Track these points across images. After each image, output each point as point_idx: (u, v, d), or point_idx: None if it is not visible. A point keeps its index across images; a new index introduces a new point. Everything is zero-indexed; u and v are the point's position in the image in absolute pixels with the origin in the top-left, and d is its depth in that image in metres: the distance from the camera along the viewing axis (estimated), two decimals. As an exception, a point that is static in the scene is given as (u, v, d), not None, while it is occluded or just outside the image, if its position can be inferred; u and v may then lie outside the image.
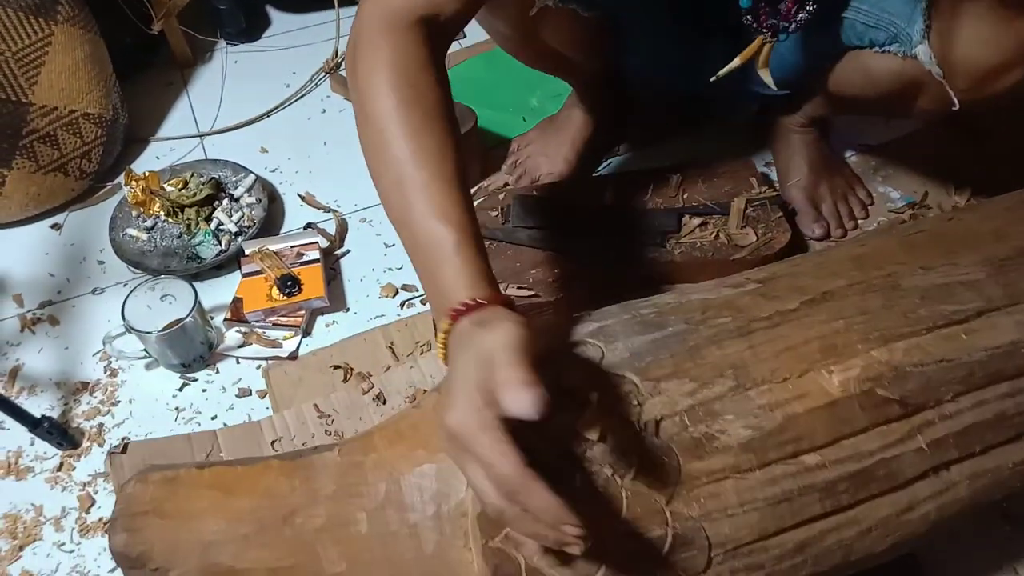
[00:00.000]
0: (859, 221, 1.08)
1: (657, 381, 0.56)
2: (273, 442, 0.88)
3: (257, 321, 1.00)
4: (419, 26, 0.64)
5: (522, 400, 0.45)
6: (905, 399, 0.59)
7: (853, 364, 0.59)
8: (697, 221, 1.02)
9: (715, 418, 0.56)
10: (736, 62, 0.83)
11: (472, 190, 1.15)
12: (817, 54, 0.93)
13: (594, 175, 1.16)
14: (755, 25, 0.81)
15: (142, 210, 1.10)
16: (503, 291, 0.60)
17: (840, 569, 0.59)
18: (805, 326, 0.61)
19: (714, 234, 1.01)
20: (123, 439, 0.91)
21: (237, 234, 1.09)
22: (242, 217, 1.11)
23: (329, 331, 1.01)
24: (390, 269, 1.08)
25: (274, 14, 1.52)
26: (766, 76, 0.84)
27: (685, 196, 1.06)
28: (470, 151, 1.12)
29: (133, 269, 1.08)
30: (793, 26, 0.80)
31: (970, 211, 0.78)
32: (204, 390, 0.95)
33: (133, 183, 1.08)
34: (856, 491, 0.57)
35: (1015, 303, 0.64)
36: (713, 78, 0.84)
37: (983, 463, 0.61)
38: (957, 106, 0.80)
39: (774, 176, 1.14)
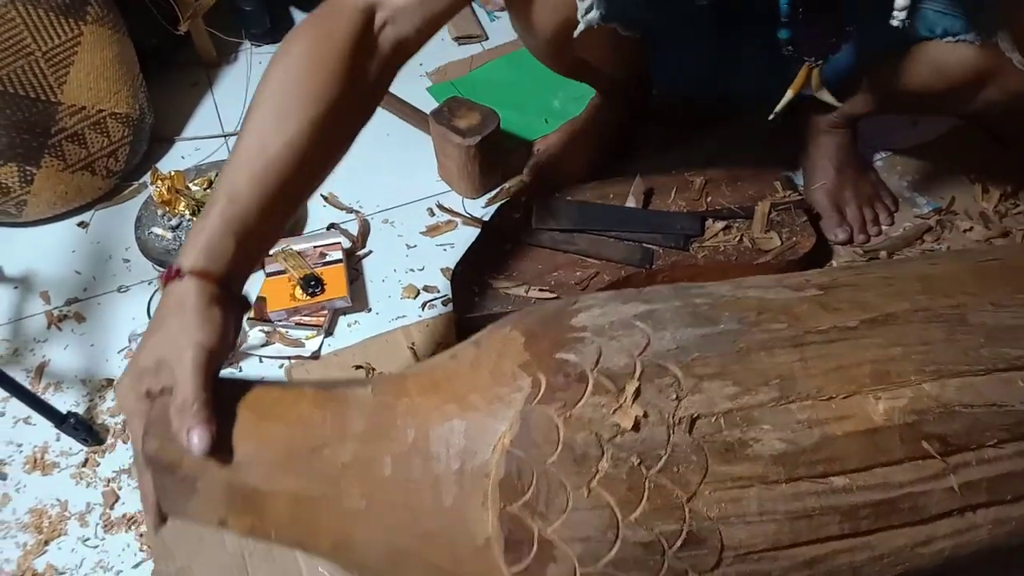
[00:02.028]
0: (883, 227, 1.07)
1: (700, 379, 0.56)
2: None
3: (280, 320, 1.00)
4: (357, 17, 0.67)
5: (193, 441, 0.53)
6: (947, 438, 0.57)
7: (902, 394, 0.57)
8: (721, 225, 1.02)
9: (752, 425, 0.55)
10: (789, 94, 0.81)
11: (493, 192, 1.16)
12: (871, 53, 0.91)
13: (617, 177, 1.16)
14: (796, 54, 0.80)
15: (167, 209, 1.11)
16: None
17: None
18: (861, 347, 0.59)
19: (738, 238, 1.00)
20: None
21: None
22: (266, 217, 1.11)
23: (351, 331, 1.02)
24: (412, 270, 1.08)
25: (298, 15, 1.53)
26: (825, 97, 0.82)
27: (709, 199, 1.06)
28: (492, 152, 1.12)
29: (158, 267, 1.09)
30: (836, 48, 0.78)
31: None
32: (227, 388, 0.96)
33: (159, 182, 1.09)
34: (877, 519, 0.57)
35: None
36: (771, 116, 0.83)
37: (1010, 511, 0.60)
38: None
39: (798, 180, 1.14)
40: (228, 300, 0.59)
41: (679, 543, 0.53)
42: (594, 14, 0.80)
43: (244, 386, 0.58)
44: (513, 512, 0.53)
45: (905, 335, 0.60)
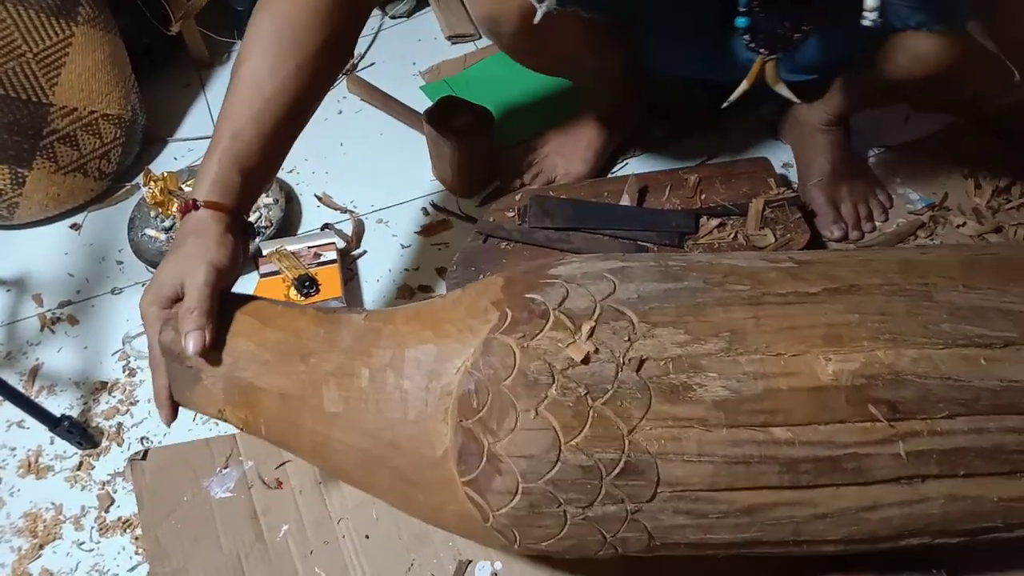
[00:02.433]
0: (877, 224, 1.07)
1: (653, 326, 0.60)
2: (291, 442, 0.88)
3: (274, 321, 1.00)
4: None
5: (188, 343, 0.62)
6: (897, 404, 0.58)
7: (854, 358, 0.58)
8: (715, 222, 1.02)
9: (698, 372, 0.58)
10: (744, 86, 0.82)
11: (488, 191, 1.15)
12: (846, 48, 0.91)
13: (611, 175, 1.16)
14: (752, 45, 0.80)
15: (160, 210, 1.10)
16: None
17: (787, 546, 0.61)
18: (818, 311, 0.61)
19: (732, 235, 1.00)
20: (142, 440, 0.92)
21: (255, 235, 1.09)
22: (259, 218, 1.11)
23: (346, 331, 1.01)
24: (407, 270, 1.08)
25: (291, 15, 1.52)
26: (782, 90, 0.82)
27: (703, 197, 1.06)
28: (486, 151, 1.12)
29: (151, 269, 1.08)
30: (791, 44, 0.79)
31: None
32: (222, 390, 0.96)
33: (152, 183, 1.09)
34: (818, 475, 0.58)
35: None
36: (724, 104, 0.83)
37: (964, 488, 0.60)
38: (1018, 77, 0.75)
39: (792, 177, 1.14)
40: (237, 227, 0.68)
41: (616, 471, 0.57)
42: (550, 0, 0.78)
43: (252, 299, 0.68)
44: (468, 427, 0.59)
45: (864, 304, 0.61)
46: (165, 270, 0.65)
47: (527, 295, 0.62)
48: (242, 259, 0.68)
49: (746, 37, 0.80)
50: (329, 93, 1.32)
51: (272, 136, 0.70)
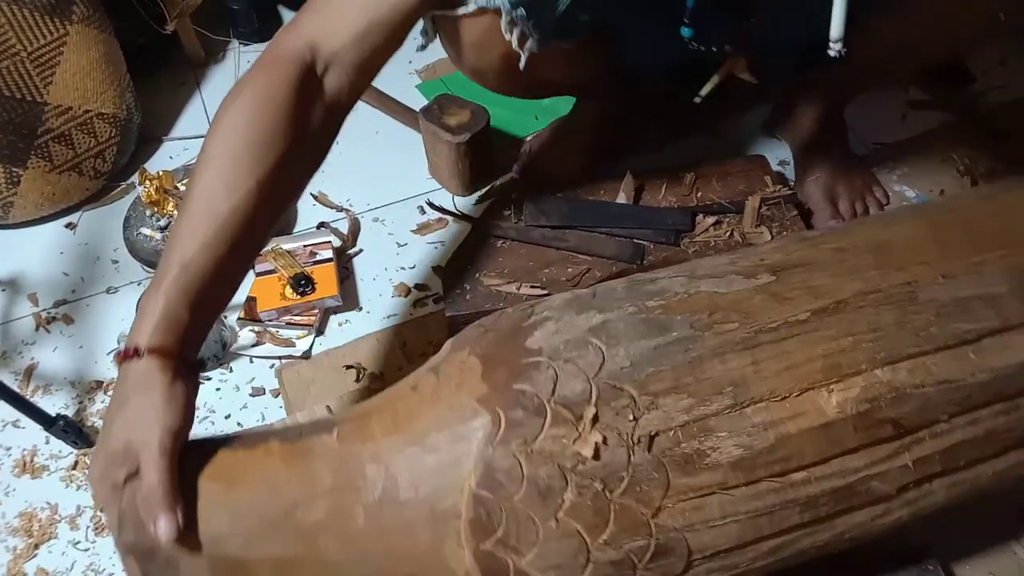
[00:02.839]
0: (874, 220, 1.08)
1: (655, 396, 0.56)
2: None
3: (270, 320, 1.00)
4: (298, 65, 0.66)
5: (160, 530, 0.53)
6: (900, 420, 0.59)
7: (854, 384, 0.58)
8: (711, 220, 1.02)
9: (708, 435, 0.56)
10: (715, 79, 0.81)
11: (484, 189, 1.15)
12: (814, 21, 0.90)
13: (607, 174, 1.16)
14: (703, 48, 0.80)
15: (156, 209, 1.10)
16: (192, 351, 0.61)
17: (811, 559, 0.61)
18: (812, 342, 0.59)
19: (728, 233, 1.00)
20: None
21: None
22: (255, 216, 1.11)
23: (342, 330, 1.01)
24: (403, 268, 1.08)
25: (286, 14, 1.52)
26: (746, 76, 0.82)
27: (699, 195, 1.06)
28: (482, 149, 1.12)
29: (147, 268, 1.08)
30: (745, 38, 0.79)
31: (1008, 190, 0.73)
32: (218, 389, 0.95)
33: (147, 182, 1.09)
34: (836, 504, 0.58)
35: None
36: (697, 98, 0.83)
37: (964, 476, 0.62)
38: (1003, 17, 0.76)
39: (789, 175, 1.14)
40: (185, 370, 0.59)
41: (648, 556, 0.55)
42: (530, 43, 0.77)
43: (208, 451, 0.58)
44: (487, 549, 0.54)
45: (855, 323, 0.60)
46: (112, 437, 0.56)
47: (515, 386, 0.56)
48: (194, 407, 0.59)
49: (694, 44, 0.80)
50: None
51: (227, 261, 0.61)
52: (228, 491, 0.57)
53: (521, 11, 0.74)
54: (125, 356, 0.57)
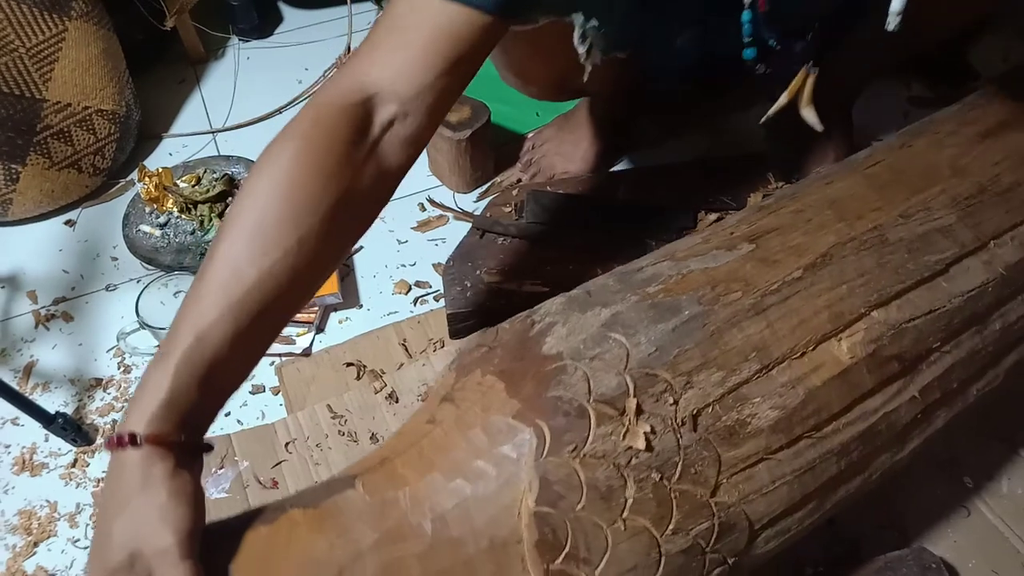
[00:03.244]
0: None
1: (688, 375, 0.56)
2: (287, 444, 0.87)
3: (270, 318, 0.99)
4: (353, 114, 0.57)
5: None
6: (902, 355, 0.62)
7: (858, 328, 0.61)
8: (713, 217, 1.01)
9: (745, 403, 0.57)
10: (783, 99, 0.80)
11: (485, 186, 1.15)
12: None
13: (609, 171, 1.15)
14: (768, 71, 0.79)
15: (155, 206, 1.10)
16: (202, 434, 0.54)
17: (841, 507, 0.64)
18: (813, 295, 0.62)
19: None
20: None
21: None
22: (255, 213, 1.10)
23: (342, 328, 1.01)
24: (403, 266, 1.07)
25: (286, 10, 1.52)
26: (810, 115, 0.81)
27: (701, 192, 1.05)
28: (483, 146, 1.11)
29: (147, 265, 1.08)
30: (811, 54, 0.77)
31: (916, 136, 0.78)
32: (218, 387, 0.95)
33: (146, 179, 1.08)
34: (864, 447, 0.61)
35: (983, 244, 0.68)
36: (763, 120, 0.82)
37: (957, 397, 0.67)
38: None
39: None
40: (190, 457, 0.51)
41: (714, 537, 0.55)
42: (595, 54, 0.77)
43: (229, 540, 0.52)
44: (557, 568, 0.52)
45: (845, 272, 0.63)
46: (113, 546, 0.48)
47: (549, 394, 0.54)
48: (203, 496, 0.51)
49: (760, 66, 0.78)
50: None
51: (251, 335, 0.53)
52: (264, 575, 0.51)
53: (594, 22, 0.74)
54: (119, 443, 0.48)
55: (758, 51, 0.78)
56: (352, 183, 0.57)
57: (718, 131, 1.20)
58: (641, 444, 0.53)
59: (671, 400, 0.55)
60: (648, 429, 0.54)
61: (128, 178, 1.21)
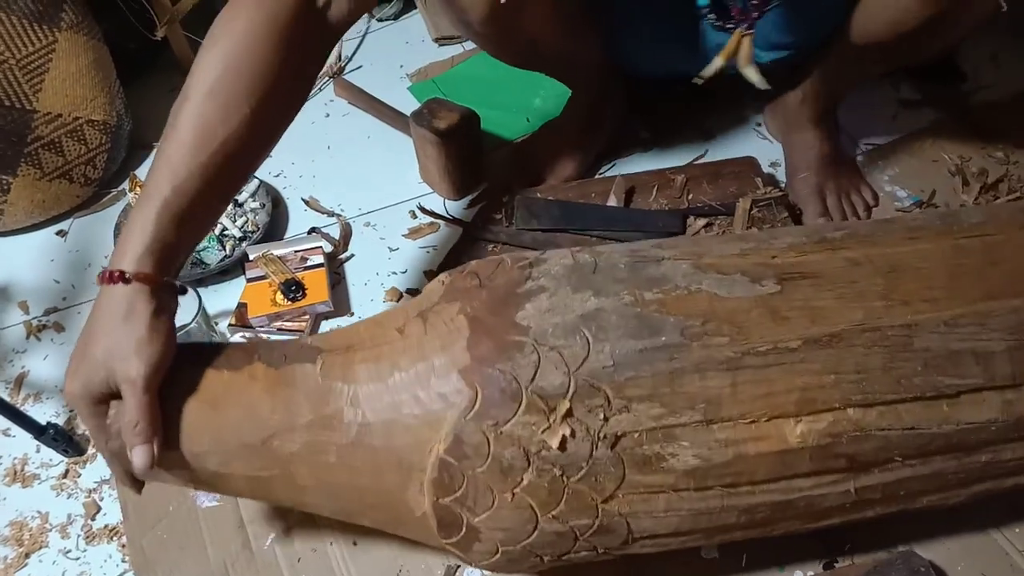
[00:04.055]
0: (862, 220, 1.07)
1: (630, 401, 0.58)
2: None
3: (262, 326, 0.99)
4: None
5: (136, 459, 0.57)
6: (856, 456, 0.60)
7: (823, 419, 0.59)
8: (702, 222, 1.02)
9: (671, 442, 0.58)
10: (718, 61, 0.79)
11: (475, 193, 1.15)
12: (823, 14, 0.88)
13: (598, 176, 1.15)
14: (720, 23, 0.78)
15: (146, 216, 1.10)
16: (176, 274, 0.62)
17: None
18: (795, 373, 0.59)
19: (719, 235, 1.00)
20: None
21: (241, 239, 1.09)
22: (246, 222, 1.11)
23: (333, 336, 1.01)
24: (394, 273, 1.07)
25: (278, 18, 1.52)
26: (751, 74, 0.79)
27: (690, 197, 1.05)
28: (473, 153, 1.11)
29: (138, 275, 1.08)
30: (761, 13, 0.76)
31: None
32: (209, 396, 0.95)
33: (137, 189, 1.09)
34: (773, 514, 0.62)
35: (1015, 384, 0.61)
36: (696, 79, 0.81)
37: (900, 502, 0.65)
38: (1005, 7, 0.73)
39: (780, 176, 1.14)
40: (168, 297, 0.60)
41: (590, 532, 0.60)
42: None
43: (197, 370, 0.61)
44: (445, 503, 0.59)
45: (842, 362, 0.59)
46: (93, 360, 0.57)
47: (497, 366, 0.58)
48: (175, 334, 0.60)
49: (711, 16, 0.78)
50: (316, 96, 1.33)
51: (220, 187, 0.62)
52: (212, 413, 0.60)
53: None
54: (110, 278, 0.57)
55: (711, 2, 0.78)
56: (300, 51, 0.64)
57: (708, 135, 1.20)
58: (555, 444, 0.57)
59: (602, 416, 0.58)
60: (568, 432, 0.57)
61: (119, 188, 1.21)
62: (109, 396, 0.58)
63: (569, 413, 0.57)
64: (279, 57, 0.63)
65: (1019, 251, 0.66)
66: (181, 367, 0.60)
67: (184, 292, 0.64)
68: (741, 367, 0.59)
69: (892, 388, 0.60)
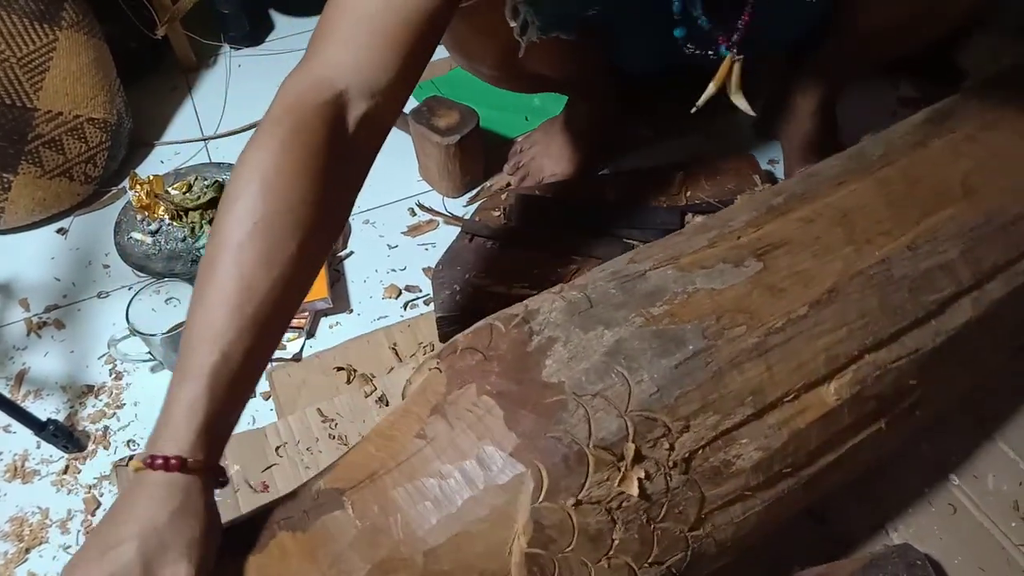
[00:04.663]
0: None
1: (686, 419, 0.56)
2: (277, 448, 0.88)
3: (261, 323, 1.00)
4: (329, 111, 0.58)
5: None
6: (881, 394, 0.63)
7: (848, 371, 0.62)
8: (700, 219, 1.01)
9: (732, 444, 0.58)
10: (711, 88, 0.78)
11: (474, 191, 1.15)
12: (809, 10, 0.88)
13: (596, 174, 1.16)
14: (699, 52, 0.77)
15: (147, 214, 1.10)
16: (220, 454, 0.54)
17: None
18: (815, 336, 0.61)
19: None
20: (129, 443, 0.92)
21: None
22: (246, 220, 1.11)
23: (333, 332, 1.01)
24: (393, 270, 1.08)
25: (278, 18, 1.53)
26: (740, 102, 0.78)
27: (688, 194, 1.06)
28: (472, 150, 1.12)
29: (138, 272, 1.08)
30: (740, 38, 0.74)
31: (932, 134, 0.76)
32: (209, 392, 0.96)
33: (137, 187, 1.09)
34: (829, 475, 0.64)
35: (978, 283, 0.68)
36: (693, 109, 0.81)
37: (916, 421, 0.69)
38: None
39: (778, 173, 1.14)
40: (216, 485, 0.54)
41: (685, 565, 0.57)
42: (531, 31, 0.76)
43: (218, 567, 0.52)
44: None
45: (847, 312, 0.63)
46: (119, 557, 0.48)
47: (549, 435, 0.53)
48: (221, 535, 0.53)
49: (689, 47, 0.79)
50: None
51: (268, 340, 0.55)
52: None
53: None
54: (165, 466, 0.49)
55: (687, 31, 0.78)
56: (335, 180, 0.58)
57: (706, 132, 1.21)
58: (635, 491, 0.53)
59: (667, 445, 0.56)
60: (643, 475, 0.54)
61: (120, 186, 1.21)
62: None
63: (638, 454, 0.54)
64: (320, 188, 0.56)
65: (928, 166, 0.72)
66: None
67: (227, 482, 0.57)
68: (769, 348, 0.60)
69: (892, 320, 0.64)
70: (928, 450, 0.83)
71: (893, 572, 0.70)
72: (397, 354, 0.97)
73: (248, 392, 0.56)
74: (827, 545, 0.77)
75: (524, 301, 0.64)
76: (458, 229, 1.06)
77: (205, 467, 0.51)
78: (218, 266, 0.53)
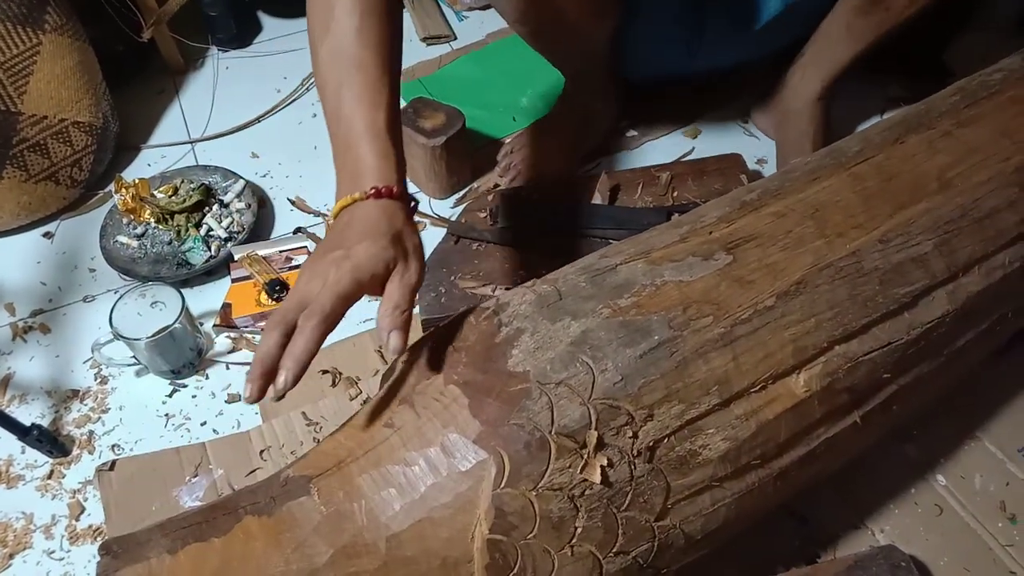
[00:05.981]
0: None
1: (650, 408, 0.56)
2: (262, 451, 0.88)
3: (246, 326, 0.99)
4: None
5: (393, 342, 0.56)
6: (854, 387, 0.63)
7: (818, 362, 0.62)
8: (675, 217, 1.01)
9: (699, 434, 0.58)
10: None
11: (462, 192, 1.15)
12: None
13: (583, 175, 1.15)
14: (707, 65, 0.79)
15: (132, 217, 1.10)
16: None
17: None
18: (782, 327, 0.61)
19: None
20: (114, 447, 0.91)
21: (227, 240, 1.09)
22: (232, 223, 1.10)
23: (319, 335, 1.01)
24: (380, 272, 1.07)
25: (265, 20, 1.52)
26: None
27: (675, 194, 1.05)
28: (458, 152, 1.11)
29: (124, 276, 1.08)
30: None
31: (909, 129, 0.75)
32: (194, 396, 0.95)
33: (123, 191, 1.09)
34: (802, 468, 0.63)
35: (953, 276, 0.67)
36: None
37: (894, 416, 0.69)
38: None
39: (765, 173, 1.14)
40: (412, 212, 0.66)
41: (652, 556, 0.57)
42: None
43: (185, 548, 0.54)
44: None
45: (816, 304, 0.62)
46: (375, 249, 0.58)
47: (512, 422, 0.54)
48: None
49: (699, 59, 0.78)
50: (303, 97, 1.34)
51: (399, 102, 0.68)
52: None
53: None
54: (386, 193, 0.61)
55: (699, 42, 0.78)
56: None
57: (695, 132, 1.20)
58: (597, 478, 0.54)
59: (631, 433, 0.56)
60: (605, 462, 0.54)
61: (106, 190, 1.21)
62: (367, 287, 0.59)
63: (600, 441, 0.54)
64: (391, 25, 0.69)
65: (904, 162, 0.72)
66: (160, 555, 0.54)
67: (417, 207, 0.69)
68: (735, 339, 0.60)
69: (863, 312, 0.63)
70: (914, 450, 0.83)
71: (877, 574, 0.70)
72: (382, 357, 0.97)
73: (401, 137, 0.68)
74: (810, 546, 0.77)
75: (496, 295, 0.65)
76: (444, 231, 1.06)
77: (405, 194, 0.64)
78: (346, 48, 0.66)
